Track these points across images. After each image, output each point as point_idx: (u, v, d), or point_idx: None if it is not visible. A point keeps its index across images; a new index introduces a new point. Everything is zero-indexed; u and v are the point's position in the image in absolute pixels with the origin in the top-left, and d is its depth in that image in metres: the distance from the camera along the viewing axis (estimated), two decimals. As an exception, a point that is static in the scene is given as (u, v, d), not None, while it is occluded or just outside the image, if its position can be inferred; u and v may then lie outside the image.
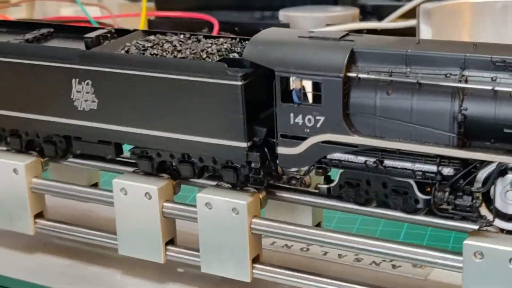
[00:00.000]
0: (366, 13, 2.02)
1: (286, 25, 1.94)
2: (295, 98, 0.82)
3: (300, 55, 0.81)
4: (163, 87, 0.87)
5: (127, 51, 0.91)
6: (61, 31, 1.03)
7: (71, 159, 1.00)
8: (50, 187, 0.99)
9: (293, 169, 0.91)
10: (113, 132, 0.92)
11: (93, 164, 1.00)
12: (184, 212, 0.91)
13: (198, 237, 0.89)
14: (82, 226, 0.99)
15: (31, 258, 1.02)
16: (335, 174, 0.86)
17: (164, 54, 0.90)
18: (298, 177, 0.87)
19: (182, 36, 0.95)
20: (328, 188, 0.85)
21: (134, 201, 0.92)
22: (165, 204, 0.91)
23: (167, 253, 0.93)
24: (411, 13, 1.94)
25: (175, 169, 0.92)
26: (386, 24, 1.87)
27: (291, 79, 0.81)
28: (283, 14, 1.97)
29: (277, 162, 0.86)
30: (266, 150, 0.85)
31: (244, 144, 0.85)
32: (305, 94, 0.81)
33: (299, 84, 0.81)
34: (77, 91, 0.92)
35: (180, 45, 0.92)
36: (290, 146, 0.83)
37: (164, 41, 0.93)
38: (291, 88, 0.82)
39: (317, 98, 0.80)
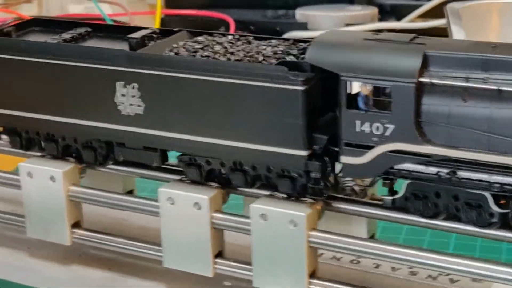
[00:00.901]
0: (384, 13, 1.97)
1: (304, 24, 1.89)
2: (361, 105, 0.77)
3: (368, 59, 0.76)
4: (216, 92, 0.83)
5: (176, 53, 0.86)
6: (99, 30, 0.98)
7: (110, 166, 0.95)
8: (89, 195, 0.94)
9: (349, 179, 0.87)
10: (160, 138, 0.87)
11: (134, 171, 0.95)
12: (236, 223, 0.86)
13: (251, 249, 0.85)
14: (122, 237, 0.94)
15: (68, 270, 0.97)
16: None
17: (217, 56, 0.85)
18: (362, 188, 0.82)
19: (230, 37, 0.90)
20: (393, 200, 0.80)
21: (182, 211, 0.87)
22: (215, 214, 0.86)
23: (215, 266, 0.88)
24: (430, 13, 1.91)
25: (224, 177, 0.88)
26: (411, 24, 1.83)
27: (358, 84, 0.76)
28: (300, 13, 1.93)
29: (339, 171, 0.81)
30: (326, 159, 0.81)
31: (303, 153, 0.80)
32: (372, 101, 0.77)
33: (365, 89, 0.77)
34: (122, 95, 0.88)
35: (231, 46, 0.87)
36: (355, 155, 0.78)
37: (214, 43, 0.88)
38: (357, 94, 0.77)
39: (386, 105, 0.76)
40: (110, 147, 0.92)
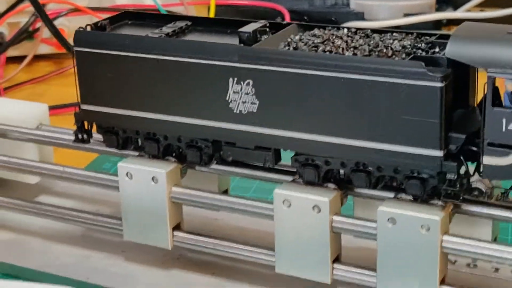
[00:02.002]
0: (441, 2, 1.92)
1: (360, 14, 1.85)
2: (506, 102, 0.72)
3: (518, 54, 0.71)
4: (341, 88, 0.78)
5: (295, 48, 0.81)
6: (199, 24, 0.93)
7: (214, 166, 0.90)
8: (193, 196, 0.89)
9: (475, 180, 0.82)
10: (275, 138, 0.82)
11: (240, 171, 0.90)
12: (360, 227, 0.81)
13: (377, 254, 0.80)
14: (229, 240, 0.89)
15: (169, 275, 0.92)
16: None
17: (340, 51, 0.80)
18: (503, 191, 0.77)
19: (346, 30, 0.85)
20: (535, 203, 0.76)
21: (300, 214, 0.82)
22: (335, 218, 0.82)
23: (334, 272, 0.83)
24: (487, 2, 1.86)
25: (343, 178, 0.83)
26: (475, 14, 1.78)
27: (505, 81, 0.72)
28: (355, 3, 1.88)
29: (473, 172, 0.77)
30: (463, 159, 0.76)
31: (439, 153, 0.76)
32: (519, 98, 0.72)
33: (511, 86, 0.72)
34: (234, 92, 0.83)
35: (351, 40, 0.82)
36: (500, 155, 0.73)
37: (333, 37, 0.83)
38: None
39: (535, 103, 0.71)
40: (217, 146, 0.87)
